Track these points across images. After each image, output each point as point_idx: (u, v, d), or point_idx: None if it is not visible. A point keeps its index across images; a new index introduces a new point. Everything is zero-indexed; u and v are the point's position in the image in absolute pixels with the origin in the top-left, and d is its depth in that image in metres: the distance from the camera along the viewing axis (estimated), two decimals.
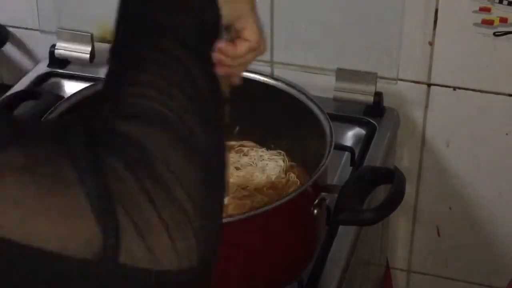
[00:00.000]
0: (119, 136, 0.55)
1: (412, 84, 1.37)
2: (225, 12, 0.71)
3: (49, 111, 1.06)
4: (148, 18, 0.65)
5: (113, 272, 0.51)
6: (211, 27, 0.70)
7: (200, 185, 0.55)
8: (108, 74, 0.64)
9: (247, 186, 1.11)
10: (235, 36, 0.80)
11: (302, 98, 1.09)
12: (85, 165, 0.52)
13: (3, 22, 1.55)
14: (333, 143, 0.99)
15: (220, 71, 0.71)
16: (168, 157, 0.55)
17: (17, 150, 0.51)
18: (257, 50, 0.82)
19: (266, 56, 1.40)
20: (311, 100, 1.08)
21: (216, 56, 0.68)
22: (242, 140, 1.19)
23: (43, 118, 1.05)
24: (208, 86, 0.63)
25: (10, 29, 1.56)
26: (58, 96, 1.25)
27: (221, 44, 0.74)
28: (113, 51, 0.66)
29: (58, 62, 1.48)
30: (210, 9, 0.70)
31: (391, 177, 1.03)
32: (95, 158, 0.53)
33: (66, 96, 1.14)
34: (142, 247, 0.52)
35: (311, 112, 1.07)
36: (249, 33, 0.80)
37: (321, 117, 1.05)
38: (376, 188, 1.06)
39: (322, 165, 0.97)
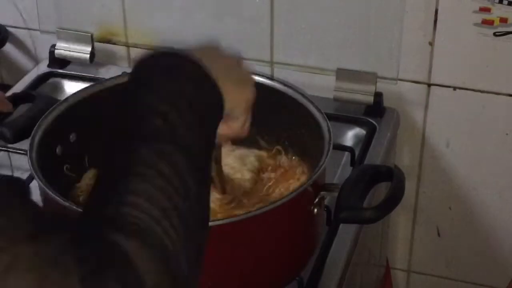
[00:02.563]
0: (108, 247, 0.57)
1: (412, 84, 1.37)
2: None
3: (44, 114, 1.06)
4: (150, 118, 0.67)
5: None
6: (212, 135, 0.73)
7: None
8: (103, 173, 0.66)
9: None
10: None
11: (299, 98, 1.08)
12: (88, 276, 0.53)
13: (3, 22, 1.55)
14: (332, 142, 0.99)
15: None
16: (152, 280, 0.57)
17: (29, 247, 0.52)
18: (233, 138, 0.86)
19: (266, 56, 1.41)
20: (309, 100, 1.08)
21: None
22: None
23: (39, 121, 1.05)
24: (199, 205, 0.65)
25: (10, 29, 1.56)
26: (52, 99, 1.25)
27: None
28: (107, 150, 0.67)
29: (58, 62, 1.48)
30: (214, 112, 0.73)
31: (391, 175, 1.03)
32: (100, 279, 0.54)
33: (62, 98, 1.14)
34: None
35: (309, 112, 1.06)
36: (235, 125, 0.83)
37: (319, 117, 1.04)
38: (376, 186, 1.06)
39: (322, 164, 0.97)
